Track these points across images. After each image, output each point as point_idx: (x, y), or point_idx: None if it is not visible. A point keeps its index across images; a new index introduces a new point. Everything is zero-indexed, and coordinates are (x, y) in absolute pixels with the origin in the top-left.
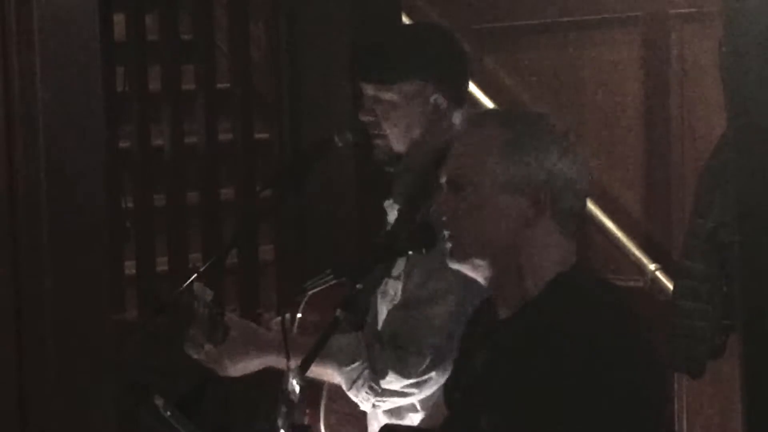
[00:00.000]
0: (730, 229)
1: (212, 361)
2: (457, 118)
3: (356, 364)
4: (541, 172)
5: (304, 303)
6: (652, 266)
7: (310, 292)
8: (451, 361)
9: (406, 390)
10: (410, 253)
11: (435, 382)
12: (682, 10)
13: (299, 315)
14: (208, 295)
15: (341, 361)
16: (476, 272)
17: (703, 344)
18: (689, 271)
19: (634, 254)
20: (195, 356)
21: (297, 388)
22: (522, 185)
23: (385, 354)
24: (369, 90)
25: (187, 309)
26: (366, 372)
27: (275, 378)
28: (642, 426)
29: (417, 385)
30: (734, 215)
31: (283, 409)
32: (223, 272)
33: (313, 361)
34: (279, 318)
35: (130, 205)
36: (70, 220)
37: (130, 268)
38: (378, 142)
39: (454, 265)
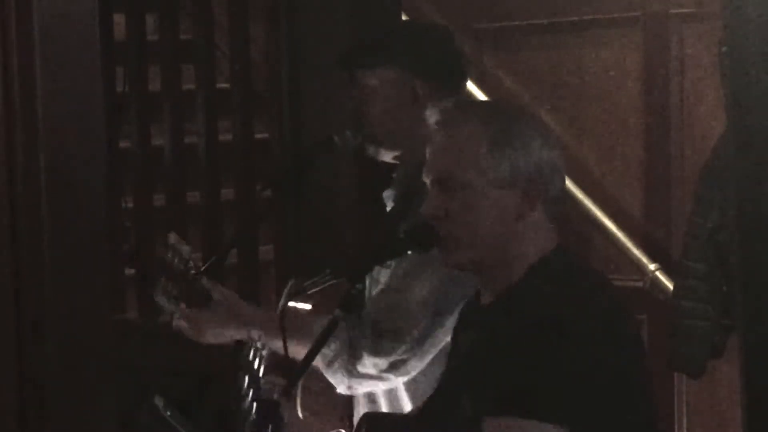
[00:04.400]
0: (730, 229)
1: (190, 324)
2: (429, 112)
3: (333, 345)
4: (530, 164)
5: (287, 289)
6: (652, 266)
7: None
8: (435, 349)
9: (382, 374)
10: (410, 252)
11: (412, 366)
12: (682, 10)
13: (281, 302)
14: (185, 249)
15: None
16: (468, 269)
17: (703, 344)
18: (689, 271)
19: (634, 254)
20: (165, 308)
21: (258, 359)
22: (513, 179)
23: (362, 337)
24: (356, 75)
25: (161, 260)
26: (343, 354)
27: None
28: (624, 403)
29: (392, 368)
30: (734, 215)
31: (246, 380)
32: (223, 272)
33: (311, 362)
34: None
35: (130, 205)
36: (70, 220)
37: (130, 268)
38: (363, 121)
39: (451, 266)
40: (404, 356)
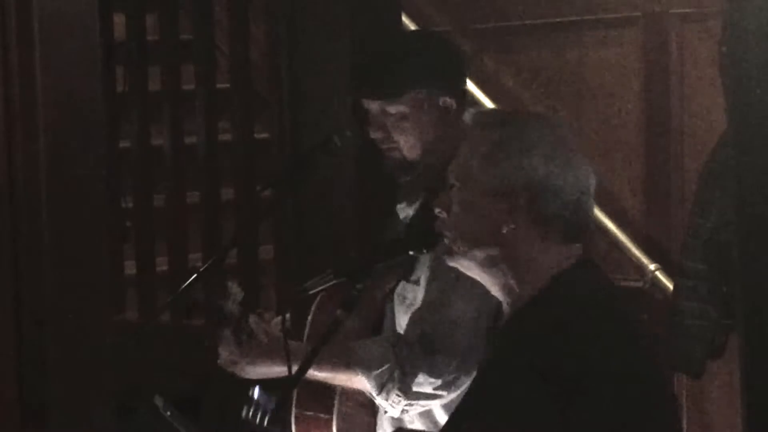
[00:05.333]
0: (730, 229)
1: (231, 363)
2: (466, 117)
3: (385, 367)
4: (520, 177)
5: (315, 304)
6: (652, 266)
7: (311, 292)
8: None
9: (436, 392)
10: (411, 253)
11: (463, 382)
12: (682, 10)
13: (310, 317)
14: (239, 294)
15: (370, 366)
16: (471, 273)
17: (703, 344)
18: (689, 271)
19: (634, 254)
20: (225, 358)
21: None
22: (500, 188)
23: (414, 355)
24: (374, 106)
25: (219, 309)
26: (396, 374)
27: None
28: (643, 424)
29: (446, 385)
30: (734, 215)
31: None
32: (223, 272)
33: (314, 359)
34: (278, 318)
35: (130, 205)
36: (70, 220)
37: (130, 268)
38: (391, 154)
39: (450, 263)
40: (457, 372)
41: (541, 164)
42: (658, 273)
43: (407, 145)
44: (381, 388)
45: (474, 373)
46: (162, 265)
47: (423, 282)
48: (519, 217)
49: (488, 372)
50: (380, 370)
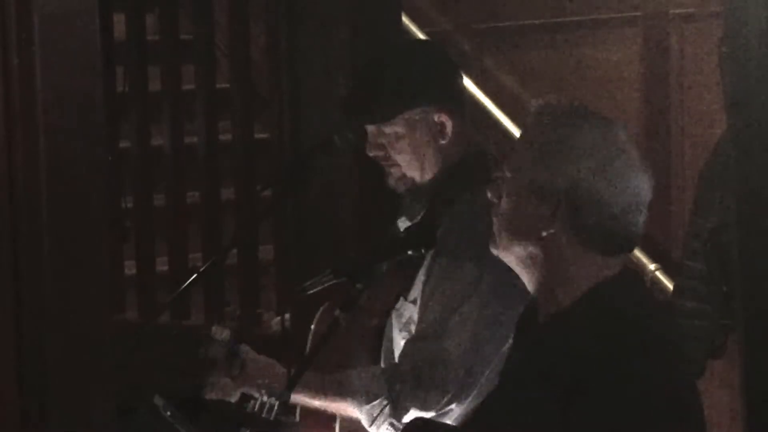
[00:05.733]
0: (730, 229)
1: (226, 394)
2: (532, 105)
3: (376, 402)
4: (564, 184)
5: (316, 318)
6: (652, 266)
7: (311, 291)
8: (477, 389)
9: None
10: (410, 252)
11: (455, 412)
12: (682, 10)
13: (312, 326)
14: (225, 334)
15: (361, 399)
16: (514, 266)
17: (703, 344)
18: (689, 271)
19: (634, 254)
20: (213, 397)
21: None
22: (540, 191)
23: (406, 390)
24: (370, 127)
25: (203, 353)
26: (387, 409)
27: None
28: None
29: (438, 417)
30: (734, 215)
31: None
32: (223, 272)
33: (307, 368)
34: (278, 318)
35: (130, 205)
36: (70, 220)
37: (130, 268)
38: (391, 170)
39: (494, 251)
40: (450, 404)
41: (588, 175)
42: (658, 273)
43: (405, 162)
44: (372, 420)
45: (470, 399)
46: (162, 265)
47: (419, 301)
48: (559, 223)
49: (516, 377)
50: (371, 404)
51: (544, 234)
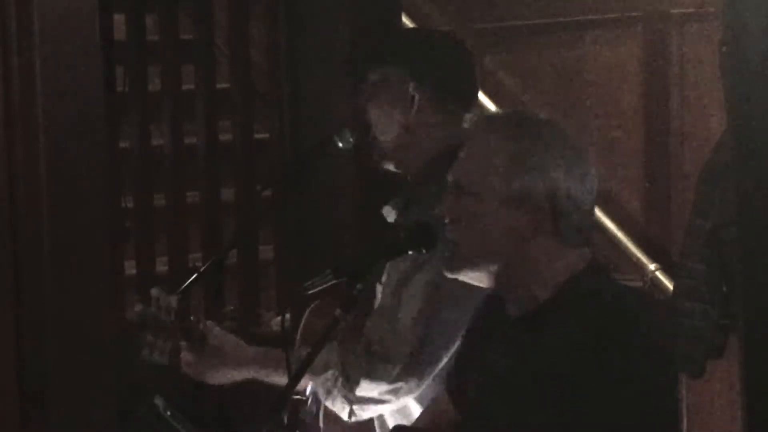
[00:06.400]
0: (730, 229)
1: (190, 369)
2: (469, 121)
3: (329, 373)
4: (543, 189)
5: (309, 309)
6: (652, 266)
7: (310, 292)
8: (435, 368)
9: (382, 397)
10: (410, 252)
11: (410, 389)
12: (682, 10)
13: (303, 320)
14: (171, 299)
15: (315, 370)
16: (476, 281)
17: (703, 344)
18: (689, 271)
19: (634, 254)
20: (155, 361)
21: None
22: (522, 201)
23: (357, 362)
24: (360, 80)
25: (144, 315)
26: (339, 381)
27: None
28: (658, 421)
29: (392, 392)
30: (734, 215)
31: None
32: (223, 272)
33: (306, 369)
34: (278, 318)
35: (130, 205)
36: (70, 220)
37: (130, 268)
38: (373, 143)
39: (453, 275)
40: (401, 380)
41: (563, 176)
42: (658, 273)
43: (378, 123)
44: (327, 393)
45: (428, 378)
46: (162, 265)
47: (384, 282)
48: (541, 227)
49: (504, 375)
50: (324, 376)
51: (525, 240)
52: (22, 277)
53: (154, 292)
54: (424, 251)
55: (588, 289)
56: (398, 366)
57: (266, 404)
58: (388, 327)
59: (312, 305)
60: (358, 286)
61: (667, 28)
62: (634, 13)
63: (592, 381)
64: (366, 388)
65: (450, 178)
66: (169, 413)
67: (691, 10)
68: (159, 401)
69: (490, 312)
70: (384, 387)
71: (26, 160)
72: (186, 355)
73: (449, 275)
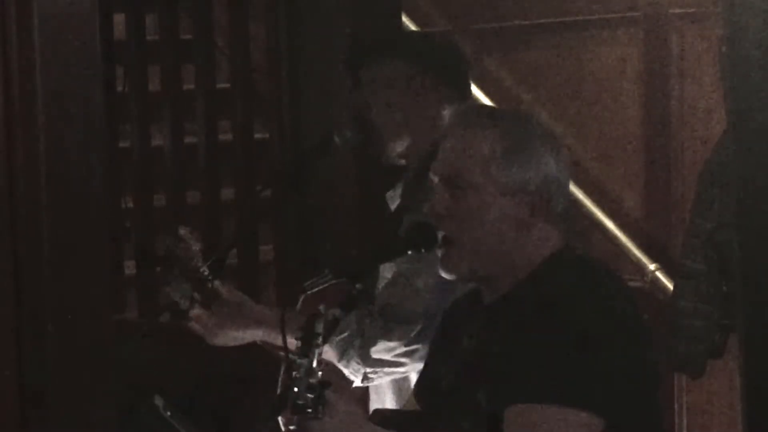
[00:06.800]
0: (730, 229)
1: (201, 326)
2: (447, 114)
3: (346, 334)
4: (538, 177)
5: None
6: (652, 266)
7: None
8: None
9: (397, 359)
10: (410, 252)
11: (423, 353)
12: (682, 10)
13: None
14: (196, 244)
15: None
16: (466, 279)
17: (703, 344)
18: (689, 271)
19: (634, 254)
20: (179, 305)
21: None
22: (520, 189)
23: (375, 323)
24: (360, 76)
25: (172, 252)
26: (356, 341)
27: (272, 379)
28: (638, 394)
29: (406, 354)
30: (734, 215)
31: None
32: (222, 272)
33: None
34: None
35: (130, 205)
36: (70, 220)
37: (130, 268)
38: (371, 130)
39: (449, 276)
40: (418, 341)
41: (552, 164)
42: (658, 273)
43: (377, 113)
44: (342, 354)
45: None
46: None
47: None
48: (536, 217)
49: (504, 343)
50: (341, 336)
51: (522, 231)
52: (22, 277)
53: (182, 232)
54: (424, 251)
55: (565, 265)
56: (417, 327)
57: (266, 405)
58: (407, 289)
59: (302, 296)
60: (358, 286)
61: (667, 28)
62: (634, 13)
63: (566, 352)
64: (382, 349)
65: (436, 175)
66: (169, 413)
67: (691, 10)
68: (159, 401)
69: (467, 303)
70: (401, 349)
71: (26, 160)
72: (196, 311)
73: (448, 276)
